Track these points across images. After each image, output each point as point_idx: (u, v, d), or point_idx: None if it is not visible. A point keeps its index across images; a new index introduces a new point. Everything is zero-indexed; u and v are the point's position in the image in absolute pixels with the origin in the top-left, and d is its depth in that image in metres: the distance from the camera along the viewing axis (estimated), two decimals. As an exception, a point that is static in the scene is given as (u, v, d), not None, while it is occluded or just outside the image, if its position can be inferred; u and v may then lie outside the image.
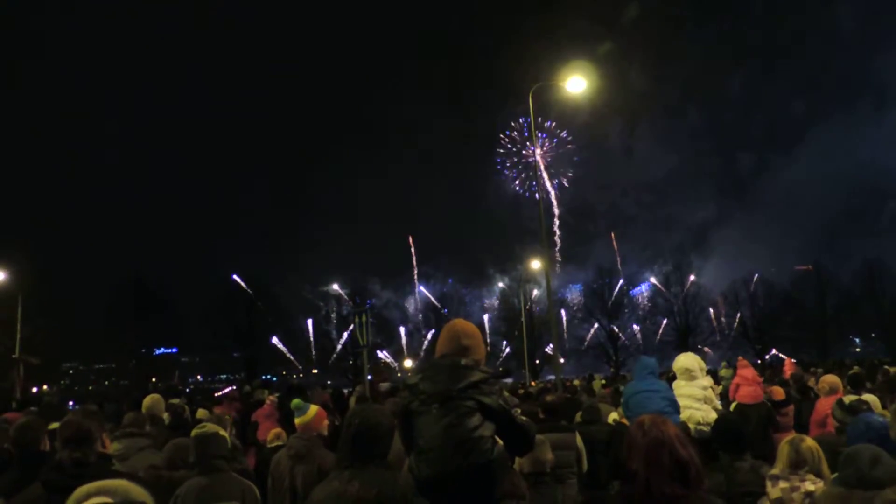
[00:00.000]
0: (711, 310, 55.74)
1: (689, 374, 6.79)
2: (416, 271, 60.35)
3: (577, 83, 19.74)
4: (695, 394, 6.57)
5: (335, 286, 54.04)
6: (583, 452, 6.30)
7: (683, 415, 6.28)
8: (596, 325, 54.61)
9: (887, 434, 3.21)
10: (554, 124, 68.54)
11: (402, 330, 57.15)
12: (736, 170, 72.31)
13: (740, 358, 10.66)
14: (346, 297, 53.75)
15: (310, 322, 54.12)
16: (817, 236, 55.27)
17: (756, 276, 54.21)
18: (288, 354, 54.08)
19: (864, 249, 51.14)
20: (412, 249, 60.97)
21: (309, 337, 54.03)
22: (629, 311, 56.03)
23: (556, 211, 68.54)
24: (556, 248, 65.61)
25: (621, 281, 55.76)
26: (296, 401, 5.18)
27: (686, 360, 6.84)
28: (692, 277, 54.23)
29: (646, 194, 64.96)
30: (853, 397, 5.83)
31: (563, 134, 67.75)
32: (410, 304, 59.40)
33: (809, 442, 3.30)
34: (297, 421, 5.03)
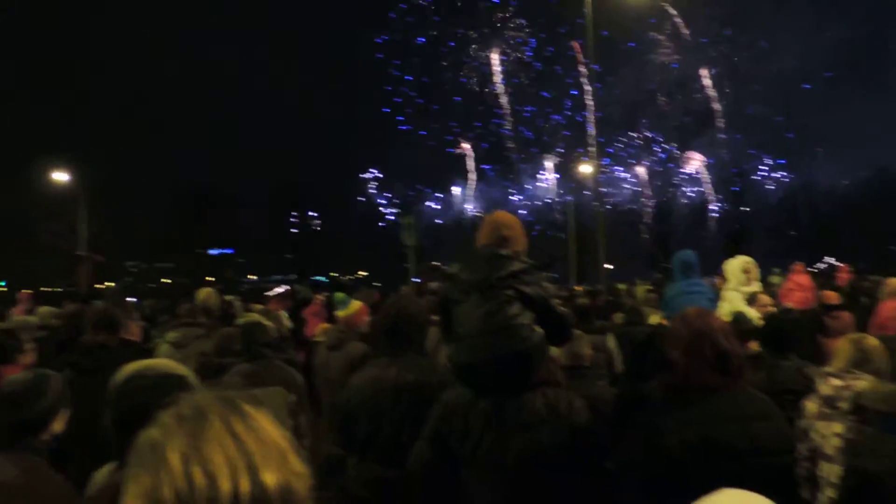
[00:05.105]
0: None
1: (746, 277, 6.65)
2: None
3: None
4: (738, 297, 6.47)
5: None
6: (615, 355, 6.30)
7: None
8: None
9: None
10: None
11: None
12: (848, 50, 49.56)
13: (798, 264, 10.34)
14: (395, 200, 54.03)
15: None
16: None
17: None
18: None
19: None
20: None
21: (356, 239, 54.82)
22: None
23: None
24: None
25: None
26: (339, 294, 5.28)
27: (741, 262, 6.67)
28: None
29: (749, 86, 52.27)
30: None
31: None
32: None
33: (873, 339, 3.10)
34: (339, 314, 5.13)
